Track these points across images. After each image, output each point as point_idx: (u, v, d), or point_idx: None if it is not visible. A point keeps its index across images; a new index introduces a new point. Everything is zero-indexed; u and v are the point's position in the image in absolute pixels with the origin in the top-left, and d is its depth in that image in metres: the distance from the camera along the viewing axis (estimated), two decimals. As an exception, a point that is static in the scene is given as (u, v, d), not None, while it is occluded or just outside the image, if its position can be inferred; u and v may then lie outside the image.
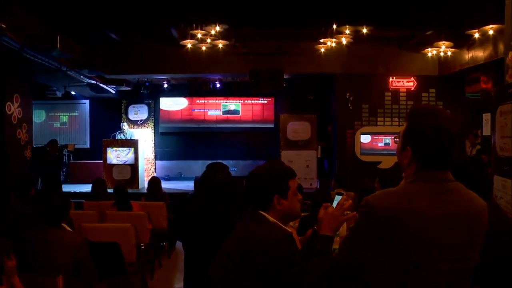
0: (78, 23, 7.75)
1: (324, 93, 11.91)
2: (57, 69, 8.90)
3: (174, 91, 12.84)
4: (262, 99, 13.24)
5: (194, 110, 13.42)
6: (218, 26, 7.45)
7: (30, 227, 3.33)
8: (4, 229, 3.85)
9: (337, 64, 9.76)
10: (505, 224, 2.17)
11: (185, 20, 7.59)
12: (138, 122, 13.33)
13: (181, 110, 13.41)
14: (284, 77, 10.01)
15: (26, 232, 3.22)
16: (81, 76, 10.02)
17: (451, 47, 8.69)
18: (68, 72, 9.36)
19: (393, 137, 9.99)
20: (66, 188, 10.17)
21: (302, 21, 7.94)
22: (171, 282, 6.06)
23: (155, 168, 13.19)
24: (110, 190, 6.91)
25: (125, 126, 11.82)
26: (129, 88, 11.85)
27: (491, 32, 7.22)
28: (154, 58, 10.06)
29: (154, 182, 7.60)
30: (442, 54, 9.06)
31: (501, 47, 7.22)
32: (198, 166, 11.37)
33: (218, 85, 11.85)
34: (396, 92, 10.23)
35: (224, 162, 3.48)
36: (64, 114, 13.71)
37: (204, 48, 8.45)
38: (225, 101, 13.30)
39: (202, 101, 13.36)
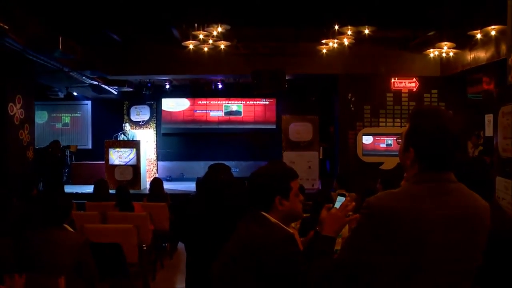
0: (80, 24, 7.77)
1: (326, 94, 11.90)
2: (59, 70, 8.91)
3: (176, 92, 12.84)
4: (264, 100, 13.23)
5: (196, 111, 13.42)
6: (220, 27, 7.44)
7: (32, 227, 3.33)
8: (6, 230, 3.86)
9: (339, 65, 9.75)
10: (507, 225, 2.16)
11: (187, 20, 7.59)
12: (140, 123, 13.34)
13: (183, 111, 13.42)
14: (286, 78, 10.01)
15: (28, 232, 3.23)
16: (83, 77, 10.03)
17: (453, 48, 8.67)
18: (70, 73, 9.38)
19: (395, 138, 10.00)
20: (68, 188, 10.19)
21: (304, 22, 7.94)
22: (173, 283, 6.06)
23: (157, 169, 13.20)
24: (112, 191, 6.92)
25: (127, 127, 11.83)
26: (131, 89, 11.86)
27: (493, 33, 7.20)
28: (156, 59, 10.07)
29: (156, 183, 7.61)
30: (444, 55, 9.04)
31: (503, 48, 7.21)
32: (200, 167, 11.35)
33: (220, 86, 11.85)
34: (398, 93, 10.21)
35: (226, 163, 3.47)
36: (66, 115, 13.73)
37: (206, 49, 8.45)
38: (227, 102, 13.31)
39: (204, 102, 13.36)
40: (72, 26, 7.73)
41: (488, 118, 8.36)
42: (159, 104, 13.35)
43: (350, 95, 10.23)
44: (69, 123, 13.73)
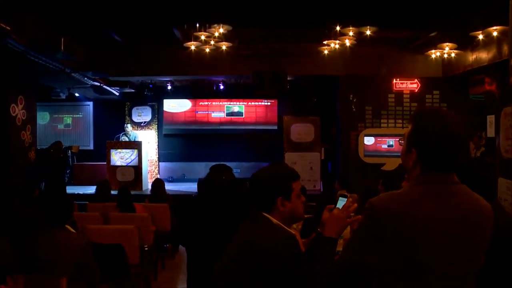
0: (82, 25, 7.77)
1: (327, 95, 11.89)
2: (61, 71, 8.92)
3: (177, 93, 12.85)
4: (265, 101, 13.23)
5: (197, 112, 13.43)
6: (222, 27, 7.45)
7: (34, 228, 3.34)
8: (8, 230, 3.86)
9: (341, 65, 9.74)
10: (509, 226, 2.16)
11: (188, 20, 7.60)
12: (142, 124, 13.34)
13: (184, 112, 13.42)
14: (288, 78, 10.01)
15: (30, 233, 3.23)
16: (85, 78, 10.04)
17: (455, 49, 8.67)
18: (72, 74, 9.39)
19: (397, 139, 9.98)
20: (70, 189, 10.19)
21: (306, 22, 7.93)
22: (174, 283, 6.06)
23: (158, 170, 13.21)
24: (114, 192, 6.93)
25: (128, 128, 11.84)
26: (133, 90, 11.87)
27: (495, 33, 7.19)
28: (158, 60, 10.08)
29: (158, 184, 7.61)
30: (446, 55, 9.03)
31: (505, 48, 7.20)
32: (202, 168, 11.36)
33: (221, 87, 11.86)
34: (399, 94, 10.20)
35: (228, 163, 3.47)
36: (68, 116, 13.75)
37: (207, 50, 8.46)
38: (228, 103, 13.31)
39: (206, 103, 13.37)
40: (74, 27, 7.74)
41: (490, 119, 8.35)
42: (160, 105, 13.36)
43: (351, 96, 10.22)
44: (71, 124, 13.74)
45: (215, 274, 2.01)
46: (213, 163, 3.41)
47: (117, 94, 11.98)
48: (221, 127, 13.34)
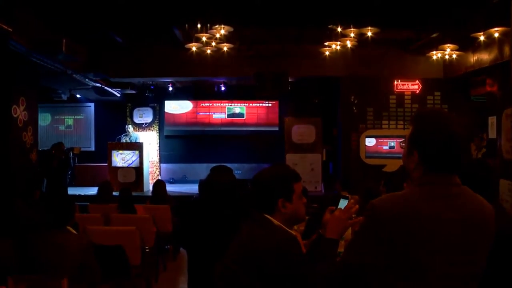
0: (83, 27, 7.79)
1: (329, 96, 11.90)
2: (62, 72, 8.94)
3: (179, 94, 12.87)
4: (266, 102, 13.24)
5: (199, 113, 13.44)
6: (223, 29, 7.45)
7: (35, 229, 3.34)
8: (10, 232, 3.87)
9: (342, 67, 9.75)
10: (510, 227, 2.16)
11: (189, 21, 7.61)
12: (143, 125, 13.36)
13: (186, 113, 13.43)
14: (289, 80, 10.01)
15: (31, 234, 3.23)
16: (86, 79, 10.06)
17: (456, 50, 8.67)
18: (74, 75, 9.41)
19: (398, 141, 9.97)
20: (71, 191, 10.19)
21: (307, 24, 7.94)
22: (175, 285, 6.06)
23: (159, 171, 13.21)
24: (116, 193, 6.93)
25: (130, 129, 11.85)
26: (134, 91, 11.88)
27: (496, 34, 7.19)
28: (159, 61, 10.09)
29: (159, 185, 7.61)
30: (447, 56, 9.03)
31: (506, 49, 7.19)
32: (203, 169, 11.35)
33: (223, 88, 11.86)
34: (401, 95, 10.21)
35: (229, 165, 3.48)
36: (69, 117, 13.77)
37: (209, 51, 8.46)
38: (229, 104, 13.32)
39: (207, 104, 13.38)
40: (75, 28, 7.76)
41: (492, 120, 8.33)
42: (162, 106, 13.37)
43: (353, 97, 10.23)
44: (72, 125, 13.76)
45: (216, 275, 2.00)
46: (214, 165, 3.42)
47: (118, 95, 11.99)
48: (222, 128, 13.34)
